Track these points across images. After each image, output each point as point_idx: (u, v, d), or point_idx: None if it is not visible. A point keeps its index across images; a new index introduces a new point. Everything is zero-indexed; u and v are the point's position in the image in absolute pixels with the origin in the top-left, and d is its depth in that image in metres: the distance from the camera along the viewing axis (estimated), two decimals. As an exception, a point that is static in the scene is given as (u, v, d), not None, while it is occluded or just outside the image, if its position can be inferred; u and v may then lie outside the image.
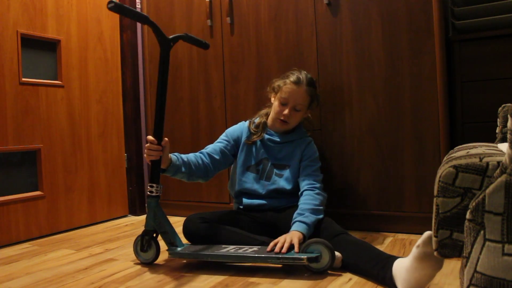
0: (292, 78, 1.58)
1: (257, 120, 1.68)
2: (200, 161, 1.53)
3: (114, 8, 1.26)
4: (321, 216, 1.44)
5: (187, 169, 1.46)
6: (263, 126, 1.66)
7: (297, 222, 1.40)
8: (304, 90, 1.57)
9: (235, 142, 1.65)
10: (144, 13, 1.88)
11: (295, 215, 1.43)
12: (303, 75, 1.59)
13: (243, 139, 1.65)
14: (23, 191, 1.88)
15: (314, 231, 1.40)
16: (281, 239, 1.33)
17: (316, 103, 1.66)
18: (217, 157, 1.58)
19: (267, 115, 1.69)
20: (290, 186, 1.60)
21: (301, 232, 1.35)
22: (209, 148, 1.60)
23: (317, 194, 1.50)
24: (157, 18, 2.25)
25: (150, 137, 1.37)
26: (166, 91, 1.41)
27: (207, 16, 2.08)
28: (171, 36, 1.42)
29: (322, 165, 1.79)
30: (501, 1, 1.57)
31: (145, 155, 1.40)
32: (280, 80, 1.62)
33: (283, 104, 1.58)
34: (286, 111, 1.56)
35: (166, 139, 1.39)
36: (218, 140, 1.66)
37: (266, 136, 1.64)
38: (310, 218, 1.40)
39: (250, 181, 1.62)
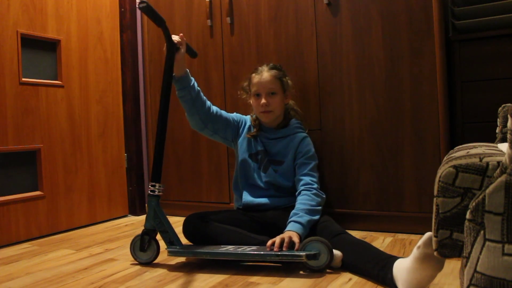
0: (254, 72, 1.66)
1: (255, 116, 1.72)
2: (208, 103, 1.62)
3: (145, 8, 1.36)
4: (317, 216, 1.45)
5: (196, 93, 1.55)
6: (260, 122, 1.69)
7: (292, 222, 1.40)
8: (268, 74, 1.63)
9: (237, 124, 1.72)
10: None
11: (290, 214, 1.44)
12: (262, 65, 1.67)
13: (246, 127, 1.70)
14: (23, 191, 1.88)
15: (312, 231, 1.41)
16: (277, 238, 1.32)
17: (287, 83, 1.66)
18: (222, 116, 1.65)
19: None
20: (288, 183, 1.60)
21: (296, 232, 1.35)
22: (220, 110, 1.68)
23: (315, 194, 1.50)
24: (157, 18, 2.25)
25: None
26: (170, 92, 1.48)
27: (207, 16, 2.07)
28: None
29: (322, 165, 1.79)
30: (501, 1, 1.57)
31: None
32: (245, 80, 1.71)
33: (257, 96, 1.63)
34: (262, 100, 1.61)
35: (181, 34, 1.50)
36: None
37: (262, 132, 1.67)
38: (305, 218, 1.40)
39: (250, 168, 1.65)
